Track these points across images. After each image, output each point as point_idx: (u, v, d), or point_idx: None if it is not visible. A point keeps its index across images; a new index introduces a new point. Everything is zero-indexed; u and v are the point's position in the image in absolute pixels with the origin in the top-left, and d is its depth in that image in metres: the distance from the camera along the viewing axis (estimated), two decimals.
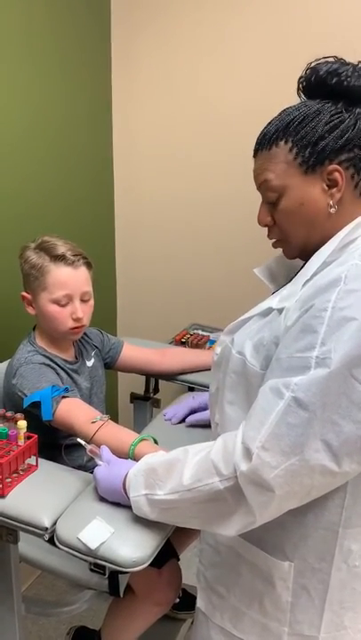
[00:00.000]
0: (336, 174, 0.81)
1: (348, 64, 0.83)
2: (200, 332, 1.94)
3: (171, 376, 1.52)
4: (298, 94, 0.88)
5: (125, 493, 0.89)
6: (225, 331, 0.92)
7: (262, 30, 1.77)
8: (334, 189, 0.82)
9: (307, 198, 0.83)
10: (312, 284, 0.77)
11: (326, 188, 0.83)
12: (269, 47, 1.77)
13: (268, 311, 0.84)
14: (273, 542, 0.85)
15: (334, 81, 0.82)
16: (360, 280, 0.71)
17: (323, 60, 0.84)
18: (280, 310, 0.81)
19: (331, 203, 0.82)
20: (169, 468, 0.83)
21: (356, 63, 0.84)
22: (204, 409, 1.25)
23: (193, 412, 1.27)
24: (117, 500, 0.92)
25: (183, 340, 1.85)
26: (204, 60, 1.89)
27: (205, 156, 1.98)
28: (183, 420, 1.27)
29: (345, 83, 0.81)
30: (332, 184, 0.82)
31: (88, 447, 1.02)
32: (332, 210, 0.82)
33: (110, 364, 1.48)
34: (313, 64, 0.85)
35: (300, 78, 0.86)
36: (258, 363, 0.81)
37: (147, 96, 2.02)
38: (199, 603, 0.99)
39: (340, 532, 0.81)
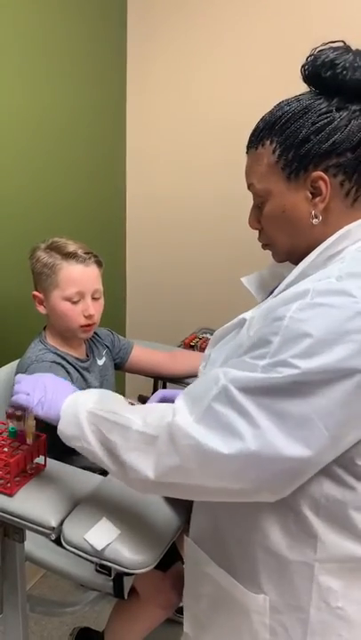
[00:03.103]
0: (320, 183, 0.73)
1: (350, 53, 0.73)
2: (209, 336, 1.93)
3: (180, 379, 1.52)
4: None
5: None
6: (210, 343, 0.87)
7: (279, 33, 1.77)
8: (318, 199, 0.74)
9: (289, 206, 0.77)
10: (281, 296, 0.72)
11: (310, 196, 0.75)
12: (287, 50, 1.76)
13: (242, 322, 0.79)
14: (247, 574, 0.80)
15: (328, 74, 0.72)
16: (327, 295, 0.65)
17: (327, 46, 0.74)
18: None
19: (313, 213, 0.75)
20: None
21: (358, 51, 0.73)
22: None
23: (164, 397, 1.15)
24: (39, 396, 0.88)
25: (192, 344, 1.85)
26: (218, 62, 1.89)
27: (217, 160, 1.98)
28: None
29: (340, 77, 0.71)
30: (316, 193, 0.74)
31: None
32: (315, 221, 0.75)
33: (120, 365, 1.48)
34: (317, 49, 0.75)
35: (302, 65, 0.76)
36: None
37: (161, 98, 2.03)
38: (186, 627, 0.93)
39: (315, 567, 0.74)
